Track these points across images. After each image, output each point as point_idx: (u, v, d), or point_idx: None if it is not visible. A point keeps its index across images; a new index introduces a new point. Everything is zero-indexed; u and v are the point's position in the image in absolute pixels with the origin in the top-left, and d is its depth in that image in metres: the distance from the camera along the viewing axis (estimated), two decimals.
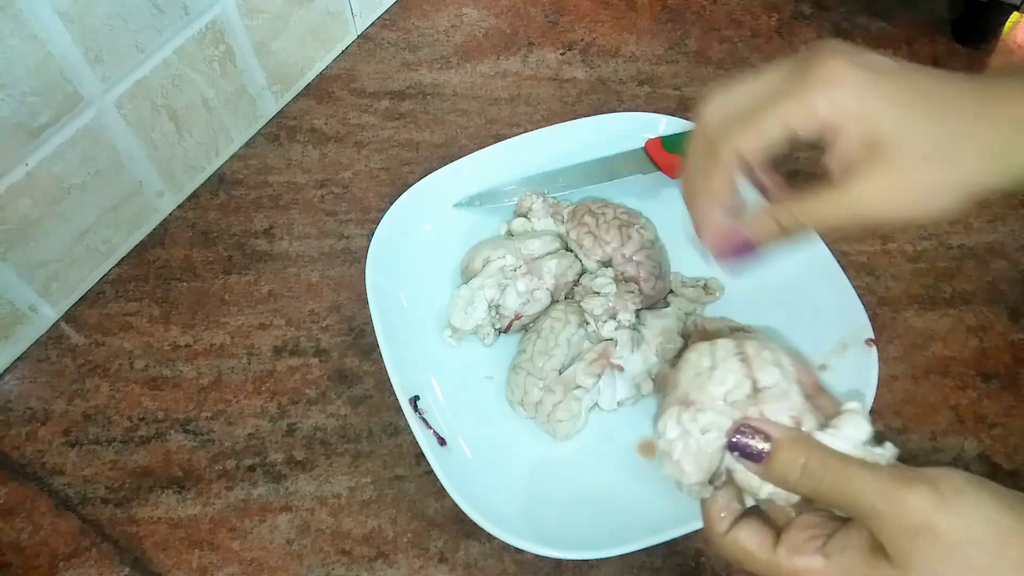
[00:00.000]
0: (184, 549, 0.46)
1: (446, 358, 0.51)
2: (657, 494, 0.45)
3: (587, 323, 0.50)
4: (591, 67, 0.69)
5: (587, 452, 0.47)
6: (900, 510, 0.27)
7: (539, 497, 0.45)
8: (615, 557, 0.43)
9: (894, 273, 0.56)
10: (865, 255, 0.57)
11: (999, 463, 0.48)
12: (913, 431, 0.49)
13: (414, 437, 0.45)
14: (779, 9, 0.73)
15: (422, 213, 0.55)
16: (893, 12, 0.72)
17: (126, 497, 0.48)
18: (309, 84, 0.68)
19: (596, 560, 0.44)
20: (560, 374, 0.48)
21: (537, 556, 0.43)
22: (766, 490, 0.31)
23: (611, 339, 0.49)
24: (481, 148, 0.57)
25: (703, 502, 0.34)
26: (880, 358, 0.48)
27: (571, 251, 0.53)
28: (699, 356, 0.35)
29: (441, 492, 0.44)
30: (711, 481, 0.33)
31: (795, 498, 0.31)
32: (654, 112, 0.60)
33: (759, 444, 0.31)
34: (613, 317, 0.49)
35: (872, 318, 0.49)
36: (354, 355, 0.53)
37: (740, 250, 0.35)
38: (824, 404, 0.33)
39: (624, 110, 0.65)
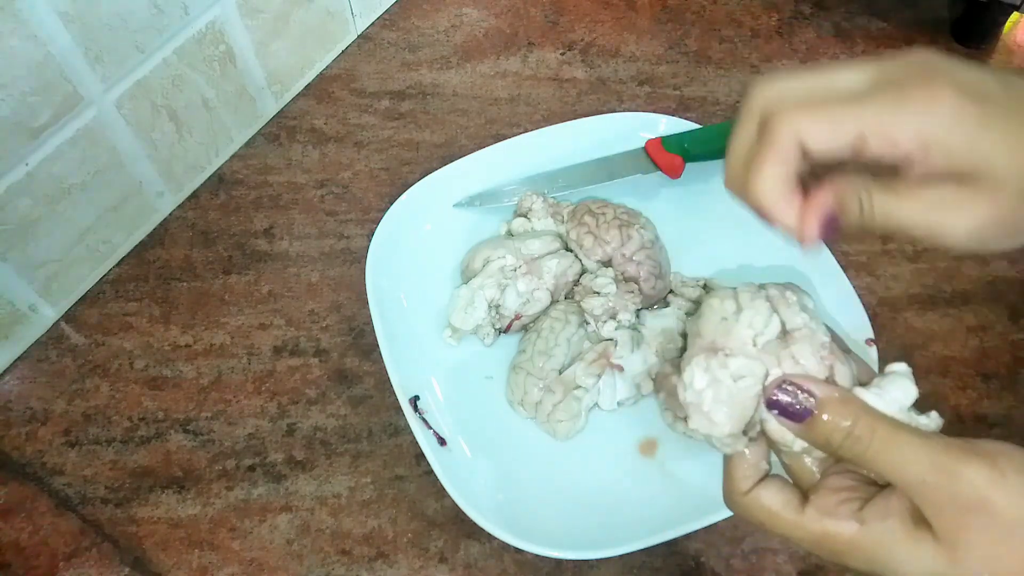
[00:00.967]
0: (184, 549, 0.46)
1: (446, 358, 0.51)
2: (657, 494, 0.45)
3: (587, 323, 0.50)
4: (591, 67, 0.69)
5: (587, 452, 0.47)
6: (953, 484, 0.25)
7: (539, 497, 0.45)
8: (615, 557, 0.43)
9: (894, 273, 0.56)
10: (865, 255, 0.57)
11: None
12: None
13: (414, 437, 0.46)
14: (779, 9, 0.73)
15: (422, 213, 0.55)
16: (893, 12, 0.72)
17: (126, 497, 0.48)
18: (309, 84, 0.68)
19: (596, 560, 0.44)
20: (560, 374, 0.48)
21: (537, 556, 0.43)
22: (800, 443, 0.30)
23: (611, 339, 0.49)
24: (481, 148, 0.57)
25: (727, 458, 0.31)
26: (880, 358, 0.48)
27: (571, 251, 0.53)
28: (722, 301, 0.32)
29: (441, 492, 0.44)
30: (745, 432, 0.31)
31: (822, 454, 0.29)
32: (654, 112, 0.60)
33: (803, 402, 0.28)
34: (613, 317, 0.49)
35: (872, 318, 0.49)
36: (354, 355, 0.53)
37: (828, 227, 0.29)
38: (855, 365, 0.31)
39: (624, 110, 0.65)
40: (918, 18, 0.72)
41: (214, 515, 0.47)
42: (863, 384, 0.30)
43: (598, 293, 0.50)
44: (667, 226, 0.54)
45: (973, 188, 0.27)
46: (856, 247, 0.57)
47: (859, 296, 0.50)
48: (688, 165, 0.56)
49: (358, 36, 0.72)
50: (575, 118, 0.59)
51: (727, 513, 0.43)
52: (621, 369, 0.48)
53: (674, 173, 0.56)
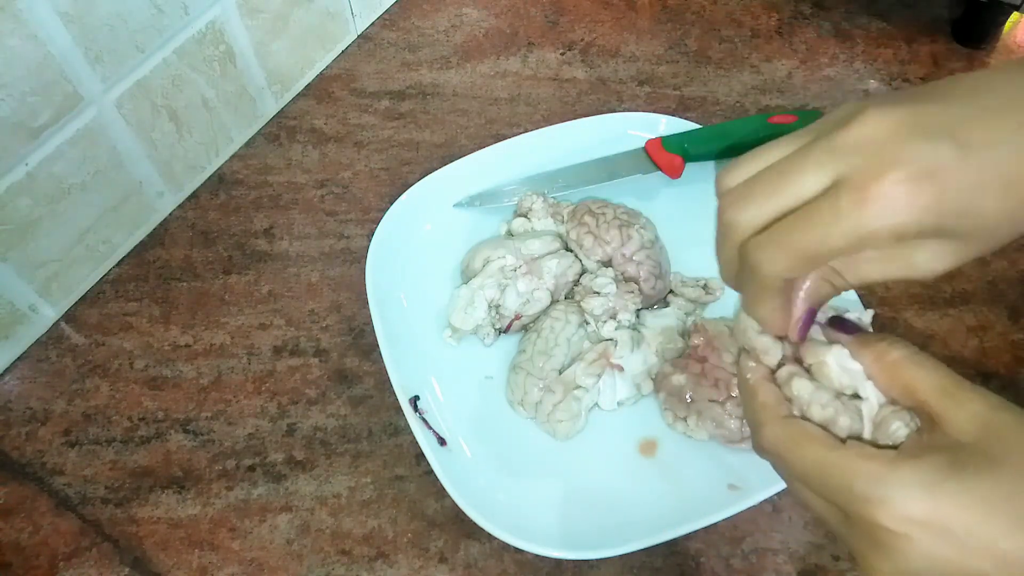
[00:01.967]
0: (184, 549, 0.46)
1: (446, 358, 0.51)
2: (657, 494, 0.45)
3: (587, 323, 0.50)
4: (591, 67, 0.69)
5: (587, 452, 0.47)
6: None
7: (539, 497, 0.45)
8: (615, 557, 0.43)
9: None
10: None
11: None
12: None
13: (414, 437, 0.46)
14: (779, 9, 0.73)
15: (422, 213, 0.55)
16: (893, 12, 0.72)
17: (126, 497, 0.48)
18: (309, 84, 0.68)
19: (596, 560, 0.44)
20: (560, 374, 0.48)
21: (537, 556, 0.43)
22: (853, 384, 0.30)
23: (611, 339, 0.49)
24: (481, 148, 0.57)
25: (754, 391, 0.31)
26: None
27: (571, 251, 0.53)
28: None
29: (441, 492, 0.44)
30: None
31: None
32: (654, 112, 0.60)
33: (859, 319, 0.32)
34: (613, 317, 0.49)
35: (872, 318, 0.49)
36: (354, 355, 0.53)
37: (810, 320, 0.32)
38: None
39: (624, 110, 0.65)
40: (918, 18, 0.72)
41: (214, 515, 0.47)
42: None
43: (598, 293, 0.50)
44: (667, 226, 0.54)
45: (940, 240, 0.27)
46: None
47: (859, 296, 0.50)
48: (688, 165, 0.56)
49: (358, 36, 0.72)
50: (575, 118, 0.59)
51: (727, 513, 0.43)
52: (621, 369, 0.48)
53: (674, 173, 0.56)
